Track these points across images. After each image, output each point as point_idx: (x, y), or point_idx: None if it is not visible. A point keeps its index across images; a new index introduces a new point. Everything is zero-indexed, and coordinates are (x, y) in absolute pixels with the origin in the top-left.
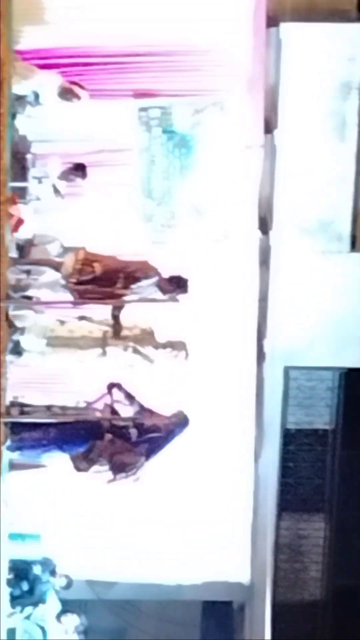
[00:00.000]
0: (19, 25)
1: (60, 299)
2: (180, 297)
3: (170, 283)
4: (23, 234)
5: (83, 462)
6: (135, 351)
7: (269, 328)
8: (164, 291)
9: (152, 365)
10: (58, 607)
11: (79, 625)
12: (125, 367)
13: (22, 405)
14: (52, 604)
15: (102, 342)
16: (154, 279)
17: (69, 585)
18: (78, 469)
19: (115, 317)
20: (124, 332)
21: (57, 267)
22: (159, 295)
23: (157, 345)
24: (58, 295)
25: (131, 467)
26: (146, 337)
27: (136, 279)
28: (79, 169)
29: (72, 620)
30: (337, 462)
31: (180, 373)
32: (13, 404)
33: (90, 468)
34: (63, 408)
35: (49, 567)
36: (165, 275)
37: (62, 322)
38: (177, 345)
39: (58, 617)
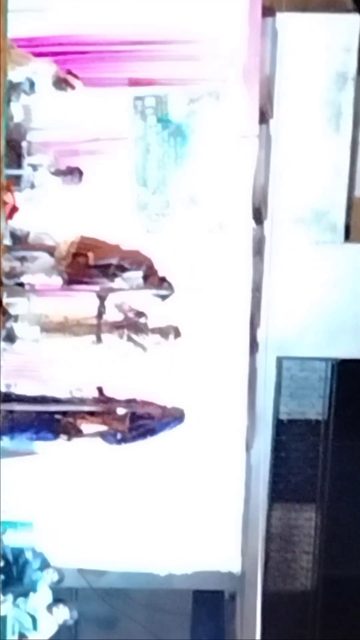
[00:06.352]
0: (15, 12)
1: (53, 284)
2: (167, 294)
3: (159, 281)
4: (17, 223)
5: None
6: (129, 339)
7: (262, 318)
8: (151, 286)
9: (145, 353)
10: (49, 597)
11: (69, 619)
12: (118, 356)
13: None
14: (44, 594)
15: (96, 329)
16: (142, 272)
17: (60, 580)
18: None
19: (101, 298)
20: (117, 319)
21: (51, 250)
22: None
23: (148, 332)
24: (52, 279)
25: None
26: (139, 325)
27: (126, 269)
28: (75, 173)
29: (63, 612)
30: (329, 453)
31: (173, 362)
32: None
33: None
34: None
35: (42, 561)
36: (159, 268)
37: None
38: (167, 329)
39: (49, 607)
